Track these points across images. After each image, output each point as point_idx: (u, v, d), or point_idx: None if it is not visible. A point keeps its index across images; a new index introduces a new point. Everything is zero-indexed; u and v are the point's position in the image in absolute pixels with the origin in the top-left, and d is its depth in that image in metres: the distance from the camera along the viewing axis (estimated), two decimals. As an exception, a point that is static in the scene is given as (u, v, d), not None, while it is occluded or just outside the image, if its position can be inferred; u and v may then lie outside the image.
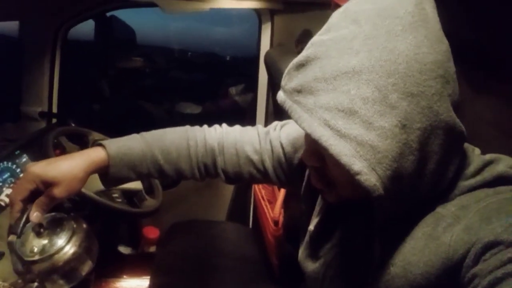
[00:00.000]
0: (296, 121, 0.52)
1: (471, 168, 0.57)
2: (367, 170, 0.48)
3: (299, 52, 1.62)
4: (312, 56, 0.52)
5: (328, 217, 0.69)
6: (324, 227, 0.70)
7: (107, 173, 0.74)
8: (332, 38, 0.51)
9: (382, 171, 0.49)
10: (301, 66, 0.53)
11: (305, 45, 1.60)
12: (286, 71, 0.56)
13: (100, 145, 0.75)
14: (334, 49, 0.50)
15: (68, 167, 0.68)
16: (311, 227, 0.71)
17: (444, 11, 0.52)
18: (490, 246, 0.47)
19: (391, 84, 0.47)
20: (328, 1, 1.43)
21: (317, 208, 0.72)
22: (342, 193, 0.60)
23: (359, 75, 0.48)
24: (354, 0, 0.54)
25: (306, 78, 0.51)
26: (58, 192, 0.67)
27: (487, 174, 0.56)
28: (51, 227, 0.71)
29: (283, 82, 0.56)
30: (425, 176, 0.52)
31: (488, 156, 0.59)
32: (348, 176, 0.50)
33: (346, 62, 0.49)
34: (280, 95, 0.56)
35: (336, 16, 0.54)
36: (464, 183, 0.56)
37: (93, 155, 0.73)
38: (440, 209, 0.55)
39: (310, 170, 0.66)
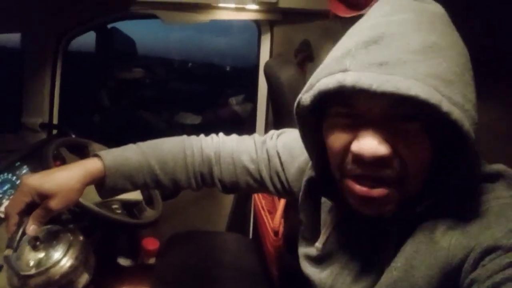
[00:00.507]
0: (396, 91, 0.46)
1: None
2: (475, 141, 0.48)
3: (298, 62, 1.62)
4: (386, 33, 0.50)
5: (337, 232, 0.68)
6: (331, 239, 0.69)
7: (103, 183, 0.74)
8: (397, 19, 0.51)
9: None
10: (373, 42, 0.50)
11: (304, 54, 1.61)
12: (343, 52, 0.52)
13: (97, 155, 0.75)
14: (406, 27, 0.50)
15: (64, 179, 0.68)
16: (319, 245, 0.68)
17: None
18: (489, 251, 0.47)
19: (463, 63, 0.51)
20: (326, 11, 1.44)
21: (325, 225, 0.69)
22: (409, 184, 0.53)
23: (442, 51, 0.49)
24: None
25: (390, 51, 0.48)
26: (54, 204, 0.66)
27: (486, 168, 0.56)
28: (47, 240, 0.70)
29: (341, 65, 0.51)
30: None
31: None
32: (427, 157, 0.51)
33: (426, 38, 0.49)
34: (346, 76, 0.49)
35: (382, 8, 0.54)
36: (465, 173, 0.54)
37: (89, 166, 0.73)
38: (440, 211, 0.54)
39: (357, 184, 0.54)
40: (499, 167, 0.56)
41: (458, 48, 0.51)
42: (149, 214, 1.51)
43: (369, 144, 0.50)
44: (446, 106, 0.46)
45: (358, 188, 0.53)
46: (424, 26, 0.50)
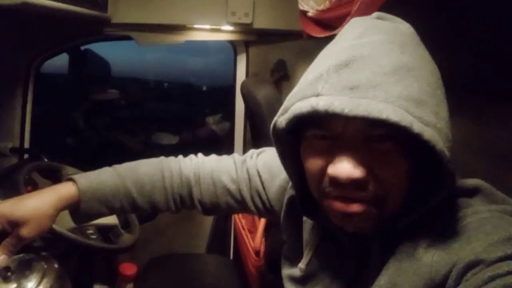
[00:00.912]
0: (367, 115, 0.47)
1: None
2: (451, 158, 0.48)
3: (275, 81, 1.64)
4: (357, 56, 0.50)
5: (319, 251, 0.67)
6: (314, 259, 0.68)
7: (77, 209, 0.72)
8: (368, 41, 0.52)
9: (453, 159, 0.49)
10: (344, 66, 0.50)
11: (280, 73, 1.63)
12: (316, 75, 0.52)
13: (71, 179, 0.73)
14: (378, 49, 0.51)
15: (36, 205, 0.66)
16: (302, 265, 0.67)
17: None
18: (471, 266, 0.47)
19: (435, 82, 0.52)
20: (300, 32, 1.47)
21: (307, 245, 0.69)
22: (388, 203, 0.53)
23: (413, 71, 0.50)
24: (360, 21, 0.57)
25: (361, 74, 0.49)
26: (26, 232, 0.64)
27: (463, 184, 0.57)
28: (19, 270, 0.67)
29: (314, 89, 0.51)
30: None
31: None
32: (404, 176, 0.51)
33: (397, 59, 0.50)
34: (319, 101, 0.50)
35: (354, 30, 0.55)
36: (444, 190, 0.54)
37: (63, 191, 0.71)
38: (421, 228, 0.55)
39: (335, 200, 0.54)
40: (475, 182, 0.57)
41: (429, 67, 0.52)
42: (126, 238, 1.47)
43: (344, 168, 0.51)
44: (417, 127, 0.47)
45: (337, 204, 0.54)
46: (395, 47, 0.51)
